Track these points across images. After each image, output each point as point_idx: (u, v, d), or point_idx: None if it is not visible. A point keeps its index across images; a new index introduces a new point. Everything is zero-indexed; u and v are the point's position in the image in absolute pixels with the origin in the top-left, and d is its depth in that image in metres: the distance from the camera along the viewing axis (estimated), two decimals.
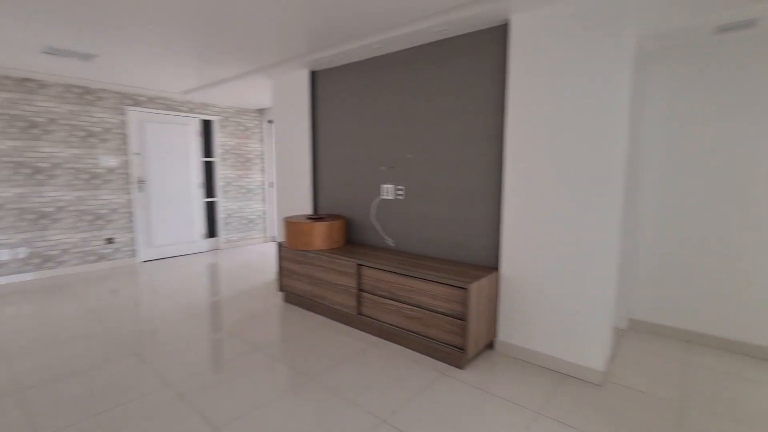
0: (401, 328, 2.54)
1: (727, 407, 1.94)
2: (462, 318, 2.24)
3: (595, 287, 2.11)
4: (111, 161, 4.54)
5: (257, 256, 5.22)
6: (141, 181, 4.80)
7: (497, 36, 2.40)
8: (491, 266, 2.54)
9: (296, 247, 3.12)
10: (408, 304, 2.50)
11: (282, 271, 3.33)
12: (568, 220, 2.16)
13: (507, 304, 2.45)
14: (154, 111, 4.86)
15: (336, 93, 3.39)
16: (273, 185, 6.12)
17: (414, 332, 2.47)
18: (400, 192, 3.00)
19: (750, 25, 2.17)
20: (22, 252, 4.01)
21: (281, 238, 3.86)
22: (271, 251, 5.55)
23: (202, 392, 2.04)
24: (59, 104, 4.15)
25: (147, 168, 4.84)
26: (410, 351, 2.52)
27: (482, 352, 2.49)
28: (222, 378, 2.18)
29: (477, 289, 2.24)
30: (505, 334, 2.47)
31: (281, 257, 3.32)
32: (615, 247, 2.04)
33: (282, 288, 3.36)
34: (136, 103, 4.71)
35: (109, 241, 4.59)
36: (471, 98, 2.55)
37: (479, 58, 2.49)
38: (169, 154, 5.02)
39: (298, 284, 3.20)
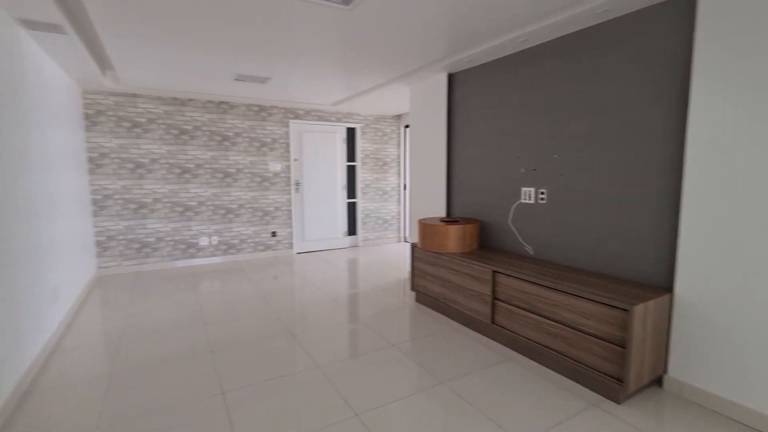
0: (541, 345, 2.32)
1: None
2: (621, 344, 1.92)
3: None
4: (276, 167, 5.37)
5: (391, 255, 5.48)
6: (297, 184, 5.55)
7: (679, 8, 1.98)
8: (661, 286, 2.11)
9: (429, 248, 3.15)
10: (550, 319, 2.26)
11: (414, 271, 3.41)
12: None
13: (682, 333, 2.00)
14: (309, 122, 5.56)
15: (474, 93, 3.30)
16: (407, 187, 6.35)
17: (556, 351, 2.23)
18: (542, 195, 2.75)
19: None
20: (215, 240, 5.05)
21: (415, 239, 3.96)
22: (403, 251, 5.77)
23: (344, 376, 2.22)
24: (242, 121, 5.10)
25: (302, 172, 5.57)
26: (551, 371, 2.28)
27: (646, 388, 2.09)
28: (360, 366, 2.34)
29: (642, 312, 1.89)
30: (677, 370, 2.02)
31: (414, 257, 3.40)
32: None
33: (414, 287, 3.44)
34: (297, 116, 5.46)
35: (273, 234, 5.43)
36: (637, 87, 2.16)
37: (652, 38, 2.09)
38: (320, 160, 5.68)
39: (430, 285, 3.23)
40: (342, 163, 5.88)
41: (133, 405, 1.96)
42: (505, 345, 2.60)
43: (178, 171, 4.77)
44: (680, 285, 1.99)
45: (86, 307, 3.40)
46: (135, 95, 4.48)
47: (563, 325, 2.19)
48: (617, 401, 1.96)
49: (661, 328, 2.01)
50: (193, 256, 4.95)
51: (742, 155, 1.75)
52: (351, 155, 6.02)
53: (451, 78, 3.55)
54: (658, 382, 2.12)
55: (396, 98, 4.82)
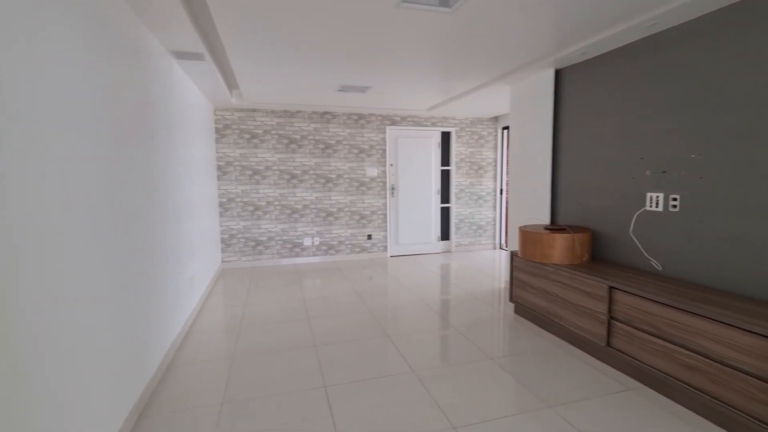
0: (672, 377, 1.98)
1: None
2: None
3: None
4: (373, 172, 5.56)
5: (486, 262, 5.26)
6: (393, 188, 5.67)
7: None
8: None
9: (532, 258, 2.94)
10: (685, 348, 1.92)
11: (514, 282, 3.21)
12: None
13: None
14: (405, 128, 5.65)
15: (586, 89, 3.00)
16: (503, 192, 6.04)
17: (694, 388, 1.88)
18: (674, 202, 2.36)
19: None
20: (317, 240, 5.43)
21: (514, 247, 3.74)
22: (499, 258, 5.49)
23: (439, 384, 2.17)
24: (343, 129, 5.40)
25: (397, 177, 5.68)
26: (685, 409, 1.93)
27: None
28: (456, 375, 2.27)
29: None
30: None
31: (514, 267, 3.21)
32: None
33: (513, 299, 3.24)
34: (393, 123, 5.60)
35: (369, 237, 5.63)
36: None
37: None
38: (414, 164, 5.73)
39: (532, 298, 3.00)
40: (436, 168, 5.85)
41: (250, 387, 2.19)
42: (624, 372, 2.28)
43: (287, 177, 5.24)
44: None
45: (213, 295, 3.93)
46: (254, 110, 5.05)
47: (703, 356, 1.84)
48: None
49: None
50: (297, 255, 5.38)
51: None
52: (445, 159, 5.95)
53: (559, 74, 3.27)
54: None
55: (494, 99, 4.62)
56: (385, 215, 5.67)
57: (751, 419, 1.66)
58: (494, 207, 6.16)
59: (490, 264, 5.17)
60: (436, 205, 5.89)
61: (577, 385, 2.17)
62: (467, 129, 5.93)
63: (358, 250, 5.61)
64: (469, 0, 2.09)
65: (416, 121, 5.69)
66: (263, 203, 5.19)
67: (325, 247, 5.47)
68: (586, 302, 2.49)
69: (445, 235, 6.04)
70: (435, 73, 3.54)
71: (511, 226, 3.92)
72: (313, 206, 5.37)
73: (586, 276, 2.49)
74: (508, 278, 3.27)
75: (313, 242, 5.41)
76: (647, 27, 2.36)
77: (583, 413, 1.91)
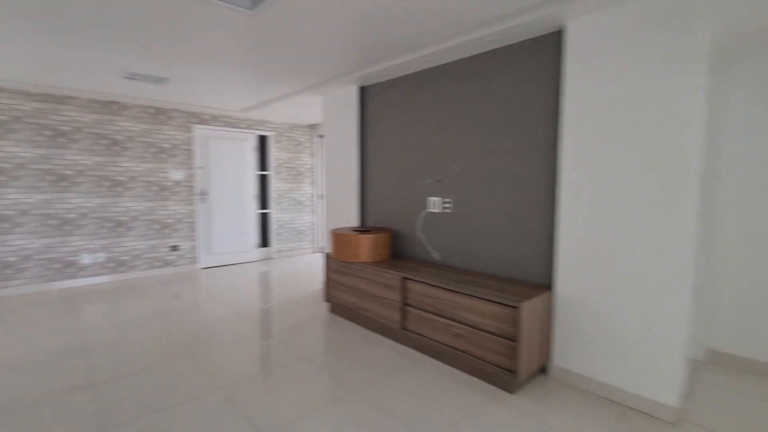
0: (447, 346, 2.45)
1: None
2: (513, 339, 2.12)
3: (667, 312, 1.90)
4: (178, 175, 4.92)
5: (306, 266, 5.36)
6: (203, 193, 5.15)
7: (551, 43, 2.30)
8: (545, 285, 2.39)
9: (342, 258, 3.16)
10: (455, 321, 2.41)
11: (328, 282, 3.38)
12: (634, 238, 1.98)
13: (562, 326, 2.28)
14: (216, 128, 5.22)
15: (384, 107, 3.43)
16: (323, 197, 6.29)
17: (461, 351, 2.38)
18: (447, 205, 2.94)
19: None
20: (101, 256, 4.43)
21: (329, 250, 3.94)
22: (319, 262, 5.68)
23: (251, 397, 2.09)
24: (135, 123, 4.59)
25: (209, 181, 5.19)
26: (456, 370, 2.42)
27: (534, 377, 2.33)
28: (270, 384, 2.23)
29: (529, 308, 2.11)
30: (560, 358, 2.30)
31: (328, 268, 3.37)
32: (690, 267, 1.84)
33: (328, 298, 3.40)
34: (202, 121, 5.09)
35: (174, 248, 4.94)
36: (523, 108, 2.45)
37: (531, 67, 2.40)
38: (228, 168, 5.36)
39: (344, 295, 3.23)
40: (253, 172, 5.62)
41: None
42: (416, 349, 2.70)
43: (52, 178, 4.11)
44: (558, 283, 2.28)
45: None
46: None
47: (466, 325, 2.35)
48: (511, 391, 2.16)
49: (545, 322, 2.27)
50: (73, 276, 4.28)
51: (591, 171, 2.08)
52: (263, 164, 5.79)
53: (363, 91, 3.64)
54: (543, 370, 2.38)
55: (309, 107, 4.78)
56: (194, 223, 5.10)
57: (494, 366, 2.20)
58: (313, 212, 6.34)
59: (311, 268, 5.29)
60: (253, 210, 5.65)
61: (378, 367, 2.44)
62: (285, 134, 5.93)
63: (159, 264, 4.86)
64: (273, 6, 2.10)
65: (230, 122, 5.34)
66: (12, 212, 3.91)
67: (113, 264, 4.52)
68: (386, 293, 2.84)
69: (265, 241, 5.86)
70: (246, 75, 3.41)
71: (328, 230, 4.11)
72: (94, 215, 4.37)
73: (385, 270, 2.84)
74: (324, 279, 3.41)
75: (95, 259, 4.39)
76: (425, 60, 2.88)
77: (380, 390, 2.17)
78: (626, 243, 2.01)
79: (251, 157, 5.58)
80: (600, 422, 1.90)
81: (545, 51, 2.33)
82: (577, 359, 2.22)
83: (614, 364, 2.08)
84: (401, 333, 2.77)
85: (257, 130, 5.62)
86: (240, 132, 5.46)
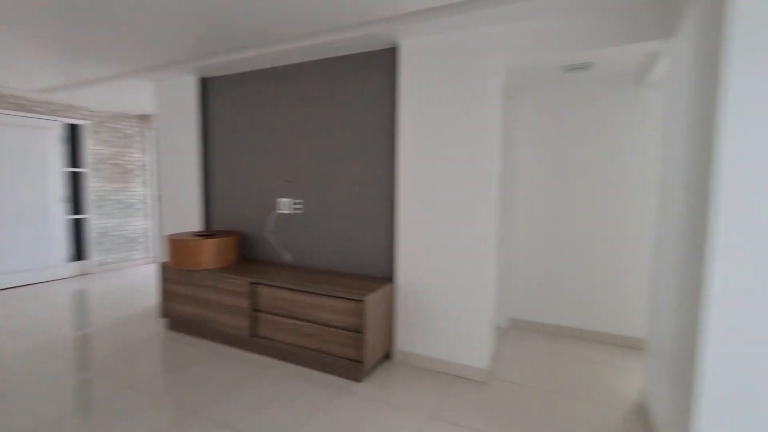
0: (299, 346, 2.45)
1: (585, 389, 2.26)
2: (359, 331, 2.25)
3: (478, 291, 2.30)
4: None
5: (139, 280, 4.60)
6: None
7: (389, 58, 2.53)
8: (388, 277, 2.61)
9: (182, 266, 2.83)
10: (306, 321, 2.43)
11: (165, 295, 2.98)
12: (454, 232, 2.34)
13: (403, 313, 2.53)
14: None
15: (230, 102, 3.21)
16: (160, 199, 5.51)
17: (313, 349, 2.41)
18: (298, 206, 2.94)
19: (588, 67, 2.64)
20: None
21: (165, 258, 3.47)
22: (154, 273, 4.95)
23: None
24: None
25: None
26: (308, 370, 2.44)
27: (380, 363, 2.53)
28: (89, 425, 1.84)
29: (373, 300, 2.28)
30: (402, 343, 2.55)
31: (164, 279, 2.98)
32: (493, 253, 2.27)
33: (165, 314, 3.00)
34: None
35: None
36: (367, 115, 2.63)
37: (374, 77, 2.59)
38: (19, 164, 4.20)
39: (185, 308, 2.90)
40: (59, 169, 4.54)
41: None
42: (268, 355, 2.61)
43: None
44: (399, 275, 2.53)
45: None
46: None
47: (317, 324, 2.39)
48: (359, 380, 2.29)
49: (388, 312, 2.49)
50: None
51: (421, 175, 2.39)
52: (75, 159, 4.74)
53: (206, 82, 3.33)
54: (388, 356, 2.61)
55: (139, 95, 4.12)
56: None
57: (343, 359, 2.30)
58: (147, 216, 5.49)
59: (144, 281, 4.57)
60: (60, 216, 4.57)
61: (225, 381, 2.28)
62: (108, 124, 4.98)
63: None
64: None
65: (21, 105, 4.20)
66: None
67: None
68: (234, 300, 2.66)
69: (80, 254, 4.80)
70: (44, 44, 2.73)
71: (164, 236, 3.62)
72: None
73: (232, 276, 2.66)
74: (160, 293, 3.00)
75: None
76: (272, 58, 2.81)
77: (228, 404, 2.03)
78: (449, 237, 2.36)
79: (56, 151, 4.50)
80: (432, 393, 2.18)
81: (385, 64, 2.55)
82: (416, 341, 2.50)
83: (444, 341, 2.41)
84: (251, 340, 2.64)
85: (65, 117, 4.56)
86: (38, 118, 4.34)
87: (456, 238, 2.34)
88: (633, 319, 2.85)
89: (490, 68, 2.20)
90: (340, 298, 2.30)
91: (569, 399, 2.15)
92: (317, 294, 2.38)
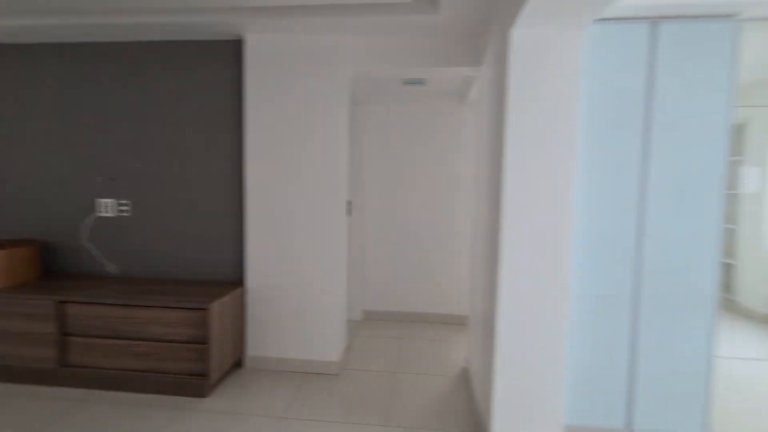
0: (130, 370, 2.12)
1: (423, 364, 2.58)
2: (203, 342, 2.08)
3: (330, 288, 2.39)
4: None
5: None
6: None
7: (235, 50, 2.40)
8: (237, 281, 2.48)
9: None
10: (138, 339, 2.12)
11: None
12: (306, 231, 2.37)
13: (255, 316, 2.44)
14: None
15: (25, 78, 2.55)
16: None
17: (147, 371, 2.11)
18: (124, 207, 2.53)
19: (423, 83, 3.00)
20: None
21: None
22: None
23: None
24: None
25: None
26: (143, 395, 2.14)
27: (230, 373, 2.39)
28: None
29: (219, 307, 2.14)
30: (254, 348, 2.46)
31: None
32: (344, 252, 2.39)
33: None
34: None
35: None
36: (210, 109, 2.44)
37: (218, 69, 2.42)
38: None
39: None
40: None
41: None
42: (83, 387, 2.18)
43: None
44: (249, 278, 2.43)
45: None
46: None
47: (152, 341, 2.11)
48: (205, 395, 2.12)
49: (238, 317, 2.37)
50: None
51: (271, 175, 2.37)
52: None
53: None
54: (239, 364, 2.48)
55: None
56: None
57: (182, 376, 2.09)
58: None
59: None
60: None
61: (25, 428, 1.82)
62: None
63: None
64: None
65: None
66: None
67: None
68: (33, 326, 2.14)
69: None
70: None
71: None
72: None
73: (31, 296, 2.13)
74: None
75: None
76: (86, 32, 2.34)
77: None
78: (301, 236, 2.38)
79: None
80: (284, 393, 2.17)
81: (231, 55, 2.40)
82: (270, 344, 2.45)
83: (298, 340, 2.43)
84: (61, 372, 2.17)
85: None
86: None
87: (308, 238, 2.38)
88: (462, 300, 3.38)
89: (337, 74, 2.30)
90: (180, 308, 2.08)
91: (410, 375, 2.43)
92: (150, 307, 2.10)
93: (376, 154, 3.39)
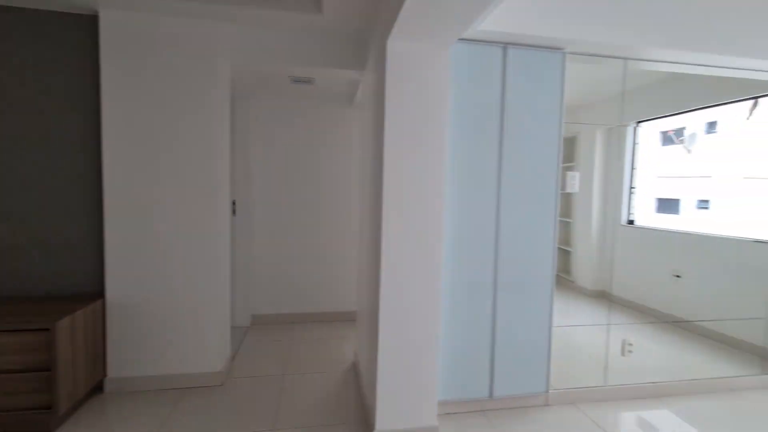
0: None
1: (314, 363, 2.58)
2: (47, 368, 1.75)
3: (210, 296, 2.23)
4: None
5: None
6: None
7: (88, 27, 2.06)
8: (96, 293, 2.14)
9: None
10: None
11: None
12: (181, 233, 2.17)
13: (118, 334, 2.14)
14: None
15: None
16: None
17: None
18: None
19: (311, 82, 3.00)
20: None
21: None
22: None
23: None
24: None
25: None
26: None
27: (87, 400, 2.05)
28: None
29: (69, 325, 1.82)
30: (116, 369, 2.15)
31: None
32: (226, 254, 2.25)
33: None
34: None
35: None
36: (48, 90, 2.05)
37: (65, 47, 2.05)
38: None
39: None
40: None
41: None
42: None
43: None
44: (110, 290, 2.12)
45: None
46: None
47: None
48: (51, 431, 1.79)
49: (96, 335, 2.05)
50: None
51: (138, 172, 2.12)
52: None
53: None
54: (100, 388, 2.15)
55: None
56: None
57: (22, 411, 1.73)
58: None
59: None
60: None
61: None
62: None
63: None
64: None
65: None
66: None
67: None
68: None
69: None
70: None
71: None
72: None
73: None
74: None
75: None
76: None
77: None
78: (178, 238, 2.17)
79: None
80: (157, 414, 1.96)
81: (82, 33, 2.06)
82: (136, 363, 2.17)
83: (174, 353, 2.21)
84: None
85: None
86: None
87: (184, 241, 2.18)
88: (353, 296, 3.47)
89: (214, 64, 2.16)
90: (13, 331, 1.72)
91: (299, 376, 2.41)
92: None
93: (264, 151, 3.27)
